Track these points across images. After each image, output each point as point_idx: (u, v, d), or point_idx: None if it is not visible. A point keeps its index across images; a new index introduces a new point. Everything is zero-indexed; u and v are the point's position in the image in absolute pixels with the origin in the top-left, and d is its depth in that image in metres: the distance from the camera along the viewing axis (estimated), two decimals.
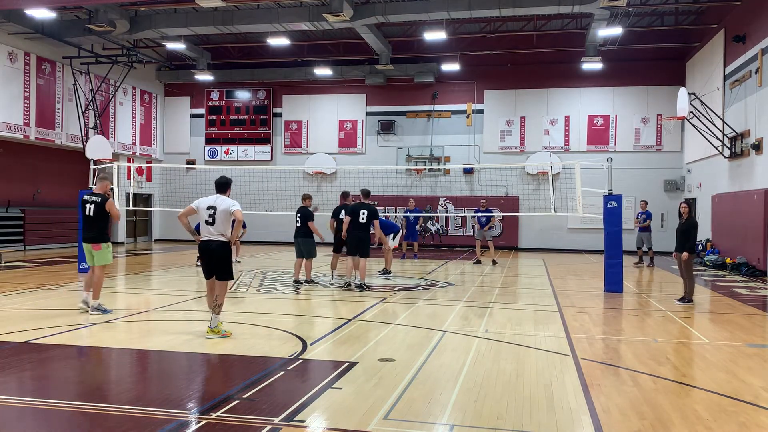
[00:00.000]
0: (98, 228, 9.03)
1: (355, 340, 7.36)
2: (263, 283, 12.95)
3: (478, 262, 17.90)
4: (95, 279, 9.02)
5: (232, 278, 7.70)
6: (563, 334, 7.93)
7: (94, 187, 9.58)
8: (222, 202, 7.47)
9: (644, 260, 18.57)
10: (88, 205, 9.03)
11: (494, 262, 17.76)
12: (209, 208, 7.43)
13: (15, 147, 21.03)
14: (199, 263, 16.46)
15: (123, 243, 25.38)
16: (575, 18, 22.24)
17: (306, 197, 12.78)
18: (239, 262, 17.44)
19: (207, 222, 7.43)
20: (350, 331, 8.05)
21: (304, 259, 12.62)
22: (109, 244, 9.14)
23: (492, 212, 18.20)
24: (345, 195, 13.23)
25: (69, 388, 5.53)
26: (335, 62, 25.46)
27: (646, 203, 18.85)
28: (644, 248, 18.30)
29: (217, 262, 7.47)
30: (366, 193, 12.41)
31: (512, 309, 10.22)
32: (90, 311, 8.87)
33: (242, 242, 18.75)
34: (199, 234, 7.73)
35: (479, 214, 17.85)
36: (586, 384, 5.61)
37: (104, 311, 8.94)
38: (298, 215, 12.54)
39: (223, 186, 7.66)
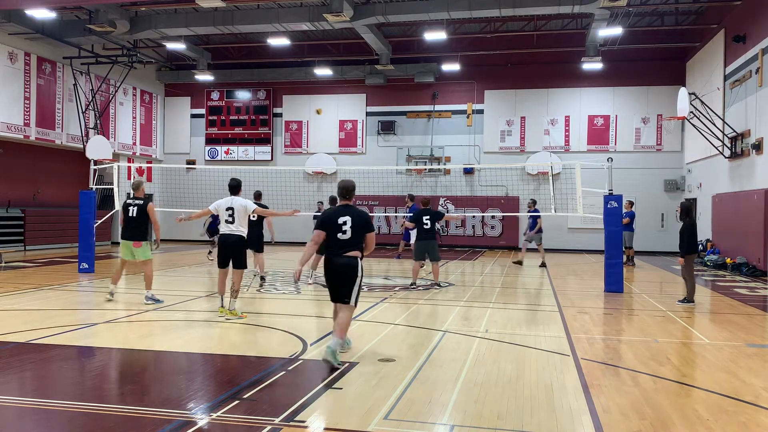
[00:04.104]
0: (139, 228, 9.93)
1: (355, 340, 7.34)
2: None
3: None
4: (145, 273, 9.95)
5: (246, 267, 9.03)
6: (563, 334, 7.93)
7: (132, 193, 10.43)
8: (237, 202, 8.80)
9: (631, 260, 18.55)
10: (131, 208, 9.94)
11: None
12: (228, 209, 8.74)
13: (15, 147, 21.03)
14: (211, 255, 16.62)
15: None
16: (575, 18, 22.24)
17: (414, 197, 12.96)
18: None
19: (227, 221, 8.75)
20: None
21: (434, 263, 12.83)
22: (148, 242, 10.05)
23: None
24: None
25: (69, 388, 5.52)
26: (335, 62, 25.46)
27: (631, 203, 18.75)
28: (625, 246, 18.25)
29: (234, 253, 8.85)
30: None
31: (512, 309, 10.22)
32: (145, 301, 9.77)
33: None
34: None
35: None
36: (586, 384, 5.61)
37: (157, 301, 9.86)
38: (427, 217, 12.62)
39: (236, 188, 8.97)
